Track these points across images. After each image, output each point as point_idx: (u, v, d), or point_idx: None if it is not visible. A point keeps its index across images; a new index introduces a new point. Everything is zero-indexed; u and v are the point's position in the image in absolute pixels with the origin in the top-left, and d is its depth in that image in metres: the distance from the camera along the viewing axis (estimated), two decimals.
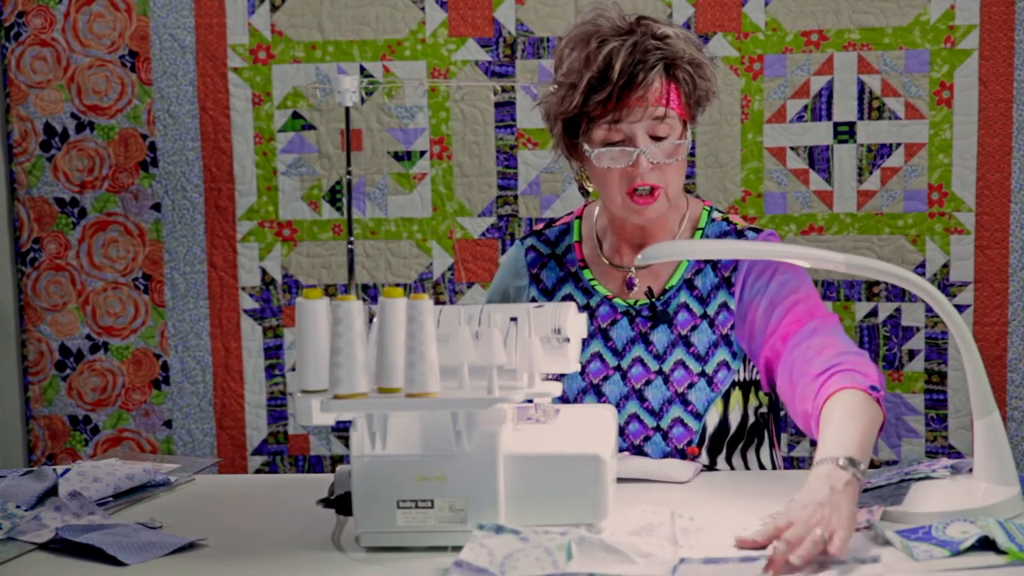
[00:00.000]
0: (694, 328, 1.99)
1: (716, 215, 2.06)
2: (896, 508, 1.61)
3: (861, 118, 2.96)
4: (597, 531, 1.56)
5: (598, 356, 2.02)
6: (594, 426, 1.70)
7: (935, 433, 2.98)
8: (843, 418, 1.67)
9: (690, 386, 1.97)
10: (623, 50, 1.89)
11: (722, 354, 1.98)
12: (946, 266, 2.95)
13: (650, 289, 2.02)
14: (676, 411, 1.97)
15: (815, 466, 1.57)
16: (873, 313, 2.99)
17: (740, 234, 2.02)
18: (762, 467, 2.05)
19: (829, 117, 2.97)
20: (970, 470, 1.70)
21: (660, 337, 2.00)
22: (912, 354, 2.99)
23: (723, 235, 2.02)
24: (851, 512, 1.49)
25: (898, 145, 2.95)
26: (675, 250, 1.87)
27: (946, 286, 2.95)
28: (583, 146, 1.96)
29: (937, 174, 2.94)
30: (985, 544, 1.48)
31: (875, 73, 2.94)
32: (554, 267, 2.09)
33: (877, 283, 2.98)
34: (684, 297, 2.00)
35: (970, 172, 2.93)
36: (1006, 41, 2.89)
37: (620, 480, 1.76)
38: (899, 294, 2.98)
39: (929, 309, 2.96)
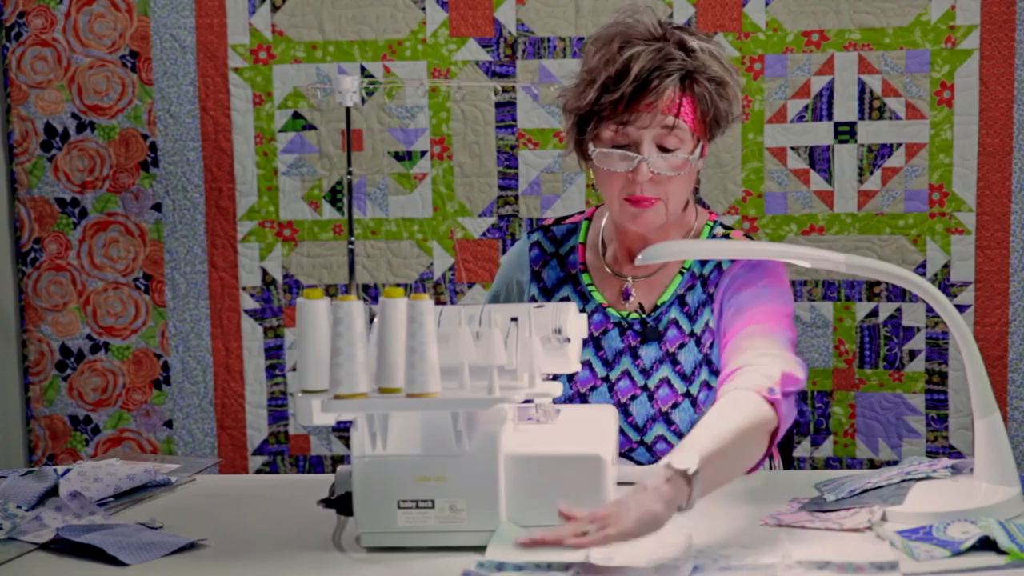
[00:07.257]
0: (682, 346, 1.97)
1: (718, 230, 2.03)
2: (896, 508, 1.61)
3: (862, 118, 2.96)
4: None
5: (588, 364, 2.00)
6: (595, 426, 1.70)
7: (936, 433, 2.98)
8: (712, 420, 1.61)
9: (674, 406, 1.95)
10: (644, 55, 1.87)
11: (704, 374, 1.96)
12: (947, 266, 2.95)
13: (641, 306, 2.00)
14: (659, 429, 1.96)
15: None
16: (874, 313, 2.99)
17: None
18: None
19: (830, 117, 2.97)
20: (971, 470, 1.70)
21: (648, 352, 1.98)
22: (913, 354, 2.99)
23: None
24: (638, 516, 1.40)
25: (899, 145, 2.95)
26: (675, 250, 1.86)
27: (947, 286, 2.95)
28: (589, 145, 1.94)
29: (938, 174, 2.94)
30: (986, 544, 1.48)
31: (876, 73, 2.94)
32: (556, 267, 2.08)
33: (878, 283, 2.98)
34: (675, 313, 1.98)
35: (971, 172, 2.93)
36: (1007, 41, 2.89)
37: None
38: (900, 294, 2.98)
39: (930, 309, 2.95)
